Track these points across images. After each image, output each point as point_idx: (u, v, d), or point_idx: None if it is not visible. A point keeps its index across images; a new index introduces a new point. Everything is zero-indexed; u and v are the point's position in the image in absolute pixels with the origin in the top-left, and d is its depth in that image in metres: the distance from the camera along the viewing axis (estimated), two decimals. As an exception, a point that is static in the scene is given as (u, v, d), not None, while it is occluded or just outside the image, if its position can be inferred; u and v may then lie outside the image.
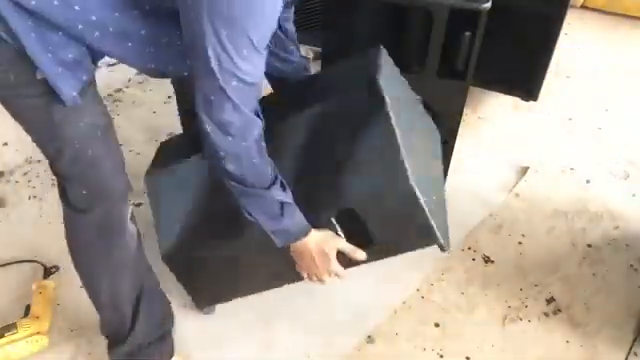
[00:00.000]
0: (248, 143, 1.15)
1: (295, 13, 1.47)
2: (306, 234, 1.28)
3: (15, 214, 1.88)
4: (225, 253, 1.46)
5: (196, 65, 1.07)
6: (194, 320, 1.60)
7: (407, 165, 1.23)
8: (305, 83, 1.51)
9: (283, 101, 1.46)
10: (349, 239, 1.35)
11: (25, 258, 1.76)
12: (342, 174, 1.28)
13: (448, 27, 1.57)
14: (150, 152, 1.56)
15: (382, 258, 1.40)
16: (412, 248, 1.39)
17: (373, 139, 1.25)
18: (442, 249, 1.35)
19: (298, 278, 1.47)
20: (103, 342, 1.56)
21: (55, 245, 1.78)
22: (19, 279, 1.72)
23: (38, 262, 1.74)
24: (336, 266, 1.33)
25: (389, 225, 1.33)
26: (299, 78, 1.52)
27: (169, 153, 1.53)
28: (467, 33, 1.59)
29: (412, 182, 1.23)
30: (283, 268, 1.47)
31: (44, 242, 1.80)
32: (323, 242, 1.30)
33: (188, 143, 1.48)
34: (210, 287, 1.55)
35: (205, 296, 1.59)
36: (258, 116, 1.16)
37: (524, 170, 2.12)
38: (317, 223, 1.32)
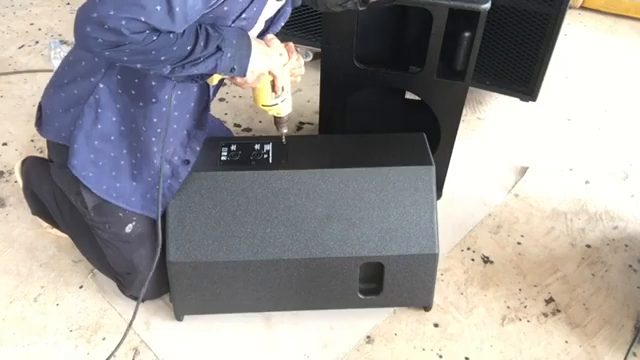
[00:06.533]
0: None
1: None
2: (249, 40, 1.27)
3: (15, 214, 1.88)
4: (234, 269, 1.48)
5: None
6: (194, 320, 1.60)
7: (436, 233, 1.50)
8: (346, 141, 1.63)
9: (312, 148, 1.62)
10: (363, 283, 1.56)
11: (24, 258, 1.76)
12: (377, 231, 1.49)
13: (448, 27, 1.57)
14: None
15: (371, 307, 1.61)
16: (402, 305, 1.64)
17: (414, 208, 1.50)
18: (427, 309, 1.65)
19: (298, 307, 1.60)
20: (103, 342, 1.56)
21: (53, 246, 1.78)
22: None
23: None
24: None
25: (399, 281, 1.54)
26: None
27: None
28: (466, 33, 1.59)
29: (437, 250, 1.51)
30: (286, 294, 1.51)
31: (43, 242, 1.80)
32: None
33: (212, 150, 1.52)
34: (204, 298, 1.54)
35: (193, 306, 1.57)
36: None
37: (523, 170, 2.13)
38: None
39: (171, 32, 1.12)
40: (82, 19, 1.06)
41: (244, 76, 1.29)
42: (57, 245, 1.78)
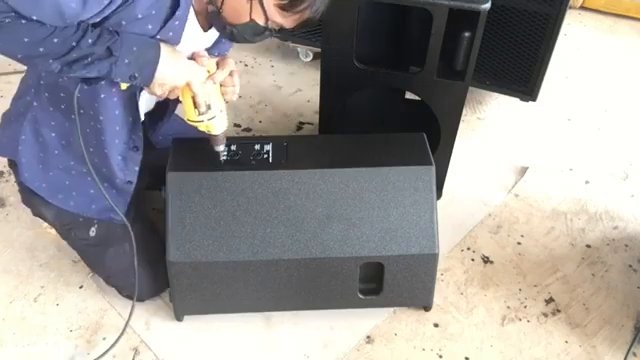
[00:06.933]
0: None
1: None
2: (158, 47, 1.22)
3: (15, 214, 1.88)
4: (234, 269, 1.48)
5: None
6: (194, 320, 1.60)
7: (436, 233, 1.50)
8: (346, 140, 1.63)
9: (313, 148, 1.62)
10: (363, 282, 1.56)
11: (24, 258, 1.76)
12: (377, 231, 1.49)
13: (448, 27, 1.57)
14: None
15: (371, 307, 1.61)
16: (402, 305, 1.65)
17: (414, 209, 1.50)
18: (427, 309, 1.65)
19: (298, 307, 1.60)
20: (103, 342, 1.56)
21: (53, 246, 1.78)
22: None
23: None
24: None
25: (399, 281, 1.54)
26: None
27: (190, 154, 1.53)
28: (466, 33, 1.59)
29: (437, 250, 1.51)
30: (286, 294, 1.51)
31: (43, 242, 1.80)
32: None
33: (210, 151, 1.50)
34: (204, 298, 1.54)
35: (193, 306, 1.57)
36: None
37: (523, 170, 2.13)
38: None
39: (37, 20, 1.07)
40: None
41: (148, 86, 1.25)
42: (57, 245, 1.78)
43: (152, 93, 1.30)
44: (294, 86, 2.46)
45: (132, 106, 1.36)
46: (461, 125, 1.79)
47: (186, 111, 1.36)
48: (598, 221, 1.96)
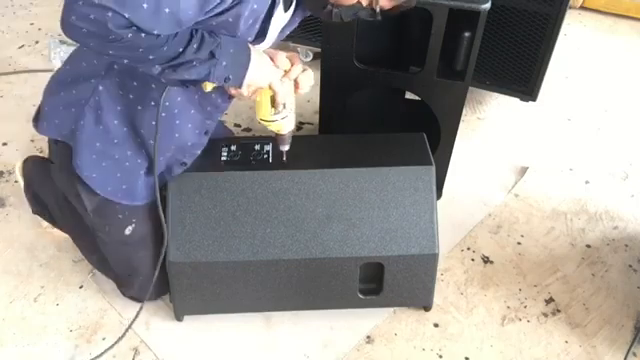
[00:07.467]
0: None
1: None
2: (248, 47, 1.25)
3: (15, 214, 1.88)
4: (234, 269, 1.48)
5: None
6: (194, 320, 1.61)
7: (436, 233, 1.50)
8: (346, 141, 1.63)
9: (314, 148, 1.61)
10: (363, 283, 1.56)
11: (24, 258, 1.76)
12: (377, 231, 1.49)
13: (448, 27, 1.57)
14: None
15: (371, 307, 1.62)
16: (402, 305, 1.65)
17: (414, 209, 1.50)
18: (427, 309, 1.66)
19: (298, 307, 1.60)
20: (103, 342, 1.56)
21: (53, 246, 1.78)
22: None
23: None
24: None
25: (399, 281, 1.54)
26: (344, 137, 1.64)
27: None
28: (466, 33, 1.59)
29: (437, 250, 1.51)
30: (286, 294, 1.51)
31: (43, 242, 1.80)
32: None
33: (212, 150, 1.52)
34: (204, 298, 1.54)
35: (193, 306, 1.57)
36: None
37: (523, 170, 2.13)
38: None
39: (157, 34, 1.09)
40: (69, 6, 1.03)
41: (239, 87, 1.27)
42: (57, 245, 1.78)
43: (239, 94, 1.33)
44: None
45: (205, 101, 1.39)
46: (461, 125, 1.80)
47: (261, 110, 1.37)
48: (598, 221, 1.96)
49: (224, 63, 1.20)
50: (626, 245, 1.88)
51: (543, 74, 2.06)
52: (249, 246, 1.47)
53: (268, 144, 1.55)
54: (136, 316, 1.52)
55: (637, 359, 1.58)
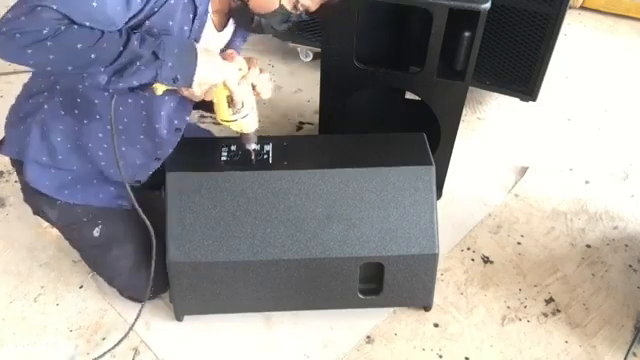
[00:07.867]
0: None
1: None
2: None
3: (15, 214, 1.88)
4: (234, 269, 1.48)
5: None
6: (194, 320, 1.60)
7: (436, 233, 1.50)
8: (347, 141, 1.63)
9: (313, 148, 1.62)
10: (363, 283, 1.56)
11: (24, 258, 1.76)
12: (377, 231, 1.49)
13: (448, 27, 1.57)
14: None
15: (371, 307, 1.61)
16: (402, 305, 1.65)
17: (414, 209, 1.50)
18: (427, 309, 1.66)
19: (298, 307, 1.60)
20: (103, 342, 1.56)
21: (53, 246, 1.78)
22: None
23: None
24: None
25: (399, 281, 1.54)
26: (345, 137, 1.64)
27: (191, 154, 1.53)
28: (466, 33, 1.59)
29: (437, 250, 1.51)
30: (286, 294, 1.51)
31: (43, 242, 1.80)
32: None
33: (212, 150, 1.52)
34: (204, 298, 1.54)
35: (193, 306, 1.57)
36: None
37: (523, 170, 2.13)
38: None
39: (89, 26, 1.10)
40: (2, 29, 1.05)
41: (190, 87, 1.26)
42: (57, 245, 1.78)
43: (191, 94, 1.32)
44: (294, 86, 2.47)
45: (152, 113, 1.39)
46: (461, 125, 1.80)
47: (219, 111, 1.36)
48: (598, 221, 1.96)
49: (170, 64, 1.18)
50: (626, 245, 1.88)
51: (543, 74, 2.06)
52: (249, 246, 1.47)
53: (268, 144, 1.55)
54: (138, 316, 1.52)
55: (637, 359, 1.58)
